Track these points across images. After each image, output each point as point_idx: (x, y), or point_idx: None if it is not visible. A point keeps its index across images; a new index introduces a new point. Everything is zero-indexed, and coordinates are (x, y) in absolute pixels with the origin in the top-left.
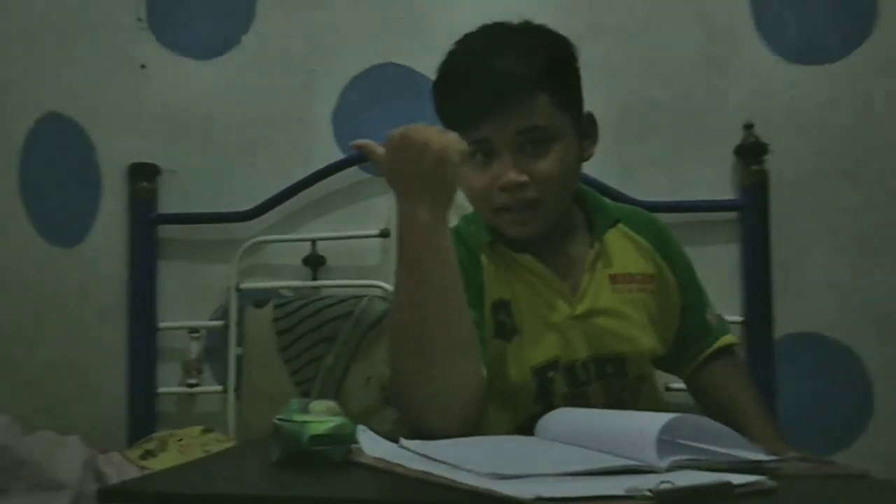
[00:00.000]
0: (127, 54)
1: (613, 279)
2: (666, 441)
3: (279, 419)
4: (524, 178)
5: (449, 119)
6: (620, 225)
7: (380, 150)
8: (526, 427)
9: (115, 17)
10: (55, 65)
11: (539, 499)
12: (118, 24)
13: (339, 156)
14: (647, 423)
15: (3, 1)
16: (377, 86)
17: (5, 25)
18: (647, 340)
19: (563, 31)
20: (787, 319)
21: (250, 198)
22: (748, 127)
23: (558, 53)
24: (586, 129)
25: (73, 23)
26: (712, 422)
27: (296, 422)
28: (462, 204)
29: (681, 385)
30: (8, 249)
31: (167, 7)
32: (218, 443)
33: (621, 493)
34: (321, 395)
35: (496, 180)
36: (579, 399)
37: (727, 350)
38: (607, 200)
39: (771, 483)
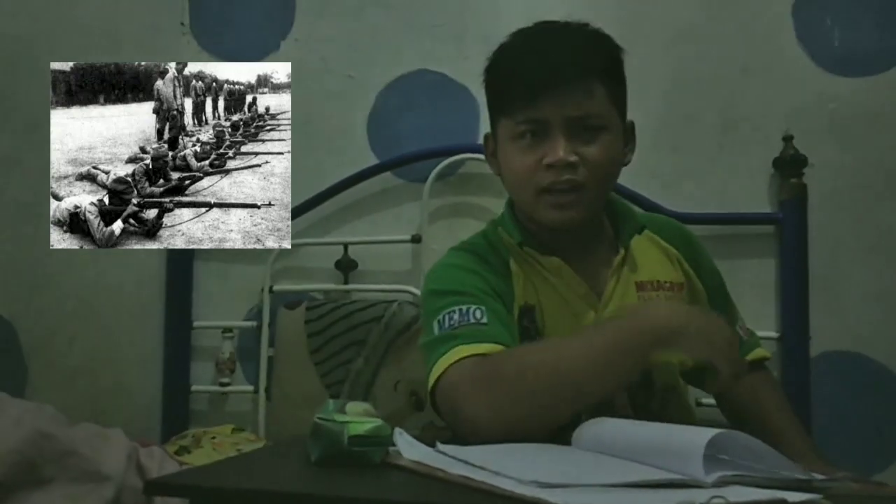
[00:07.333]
0: (170, 58)
1: (640, 286)
2: (709, 456)
3: (319, 418)
4: (574, 157)
5: (502, 99)
6: (647, 232)
7: None
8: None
9: (160, 23)
10: None
11: None
12: (162, 29)
13: (373, 160)
14: (692, 437)
15: (49, 8)
16: (412, 92)
17: (52, 32)
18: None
19: None
20: (824, 337)
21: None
22: (787, 139)
23: (613, 51)
24: (628, 135)
25: (119, 29)
26: (758, 441)
27: (336, 421)
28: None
29: (711, 401)
30: (49, 247)
31: (209, 13)
32: (248, 442)
33: None
34: (350, 399)
35: (545, 158)
36: (604, 408)
37: (759, 364)
38: (636, 209)
39: (825, 502)
